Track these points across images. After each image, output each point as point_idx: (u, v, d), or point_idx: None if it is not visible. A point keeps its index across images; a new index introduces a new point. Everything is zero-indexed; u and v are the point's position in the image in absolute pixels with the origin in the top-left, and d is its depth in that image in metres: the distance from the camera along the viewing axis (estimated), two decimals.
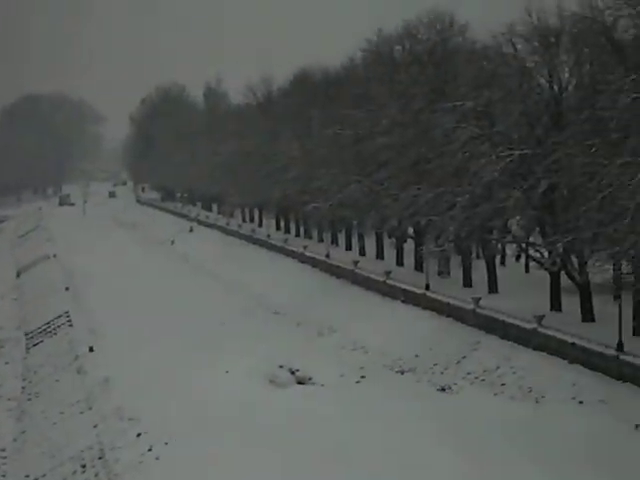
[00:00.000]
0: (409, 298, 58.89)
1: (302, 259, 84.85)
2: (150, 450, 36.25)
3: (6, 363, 63.27)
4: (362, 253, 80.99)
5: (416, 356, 48.61)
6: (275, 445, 34.00)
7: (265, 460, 32.70)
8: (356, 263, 71.49)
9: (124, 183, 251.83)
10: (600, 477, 29.51)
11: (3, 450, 43.96)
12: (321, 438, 34.50)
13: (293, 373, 47.57)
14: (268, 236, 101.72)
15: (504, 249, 62.45)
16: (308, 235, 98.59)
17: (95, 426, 42.52)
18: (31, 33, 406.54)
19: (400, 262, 72.58)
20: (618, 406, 35.16)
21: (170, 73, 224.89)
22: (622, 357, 37.65)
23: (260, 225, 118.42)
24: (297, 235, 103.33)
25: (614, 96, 35.72)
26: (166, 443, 36.29)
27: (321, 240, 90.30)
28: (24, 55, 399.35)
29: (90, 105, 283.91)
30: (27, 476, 38.90)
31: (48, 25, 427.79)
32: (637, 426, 33.14)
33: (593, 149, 37.80)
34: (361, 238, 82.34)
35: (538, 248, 50.92)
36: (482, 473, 30.48)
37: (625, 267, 41.26)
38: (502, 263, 67.50)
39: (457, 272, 62.64)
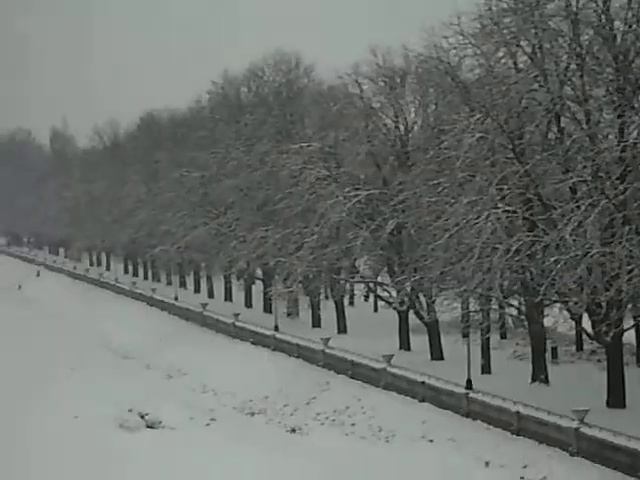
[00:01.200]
0: (258, 340, 57.55)
1: (151, 302, 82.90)
2: None
3: None
4: (211, 295, 79.93)
5: (266, 397, 47.40)
6: None
7: None
8: (205, 305, 69.81)
9: None
10: None
11: None
12: None
13: (143, 417, 45.39)
14: (116, 279, 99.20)
15: (353, 289, 62.57)
16: (157, 278, 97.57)
17: None
18: None
19: (249, 304, 71.76)
20: (467, 444, 34.54)
21: (17, 119, 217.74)
22: (471, 395, 36.97)
23: (108, 269, 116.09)
24: (145, 278, 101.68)
25: (459, 135, 35.23)
26: None
27: (169, 283, 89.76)
28: None
29: None
30: None
31: None
32: (487, 463, 32.40)
33: (439, 188, 37.24)
34: (209, 280, 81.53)
35: (386, 287, 50.44)
36: None
37: (473, 305, 40.96)
38: (351, 303, 67.57)
39: (306, 313, 62.13)
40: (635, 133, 33.01)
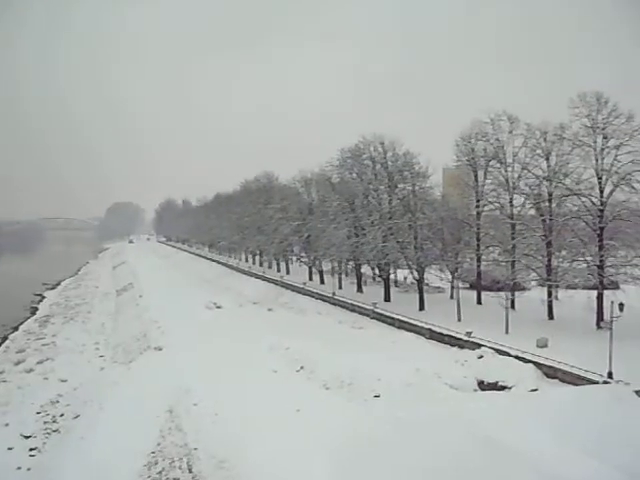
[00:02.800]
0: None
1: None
2: (163, 333, 73.38)
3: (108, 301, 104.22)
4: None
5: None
6: None
7: None
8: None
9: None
10: None
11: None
12: None
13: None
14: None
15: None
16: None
17: (141, 325, 72.92)
18: None
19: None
20: (333, 315, 76.68)
21: None
22: (336, 296, 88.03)
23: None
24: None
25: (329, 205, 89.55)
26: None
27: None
28: None
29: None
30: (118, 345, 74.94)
31: None
32: (340, 322, 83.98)
33: (323, 220, 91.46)
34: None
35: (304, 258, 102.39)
36: None
37: (345, 264, 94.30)
38: None
39: None
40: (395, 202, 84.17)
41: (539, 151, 62.80)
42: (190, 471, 31.53)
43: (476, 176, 71.45)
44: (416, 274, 74.27)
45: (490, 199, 70.06)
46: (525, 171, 64.77)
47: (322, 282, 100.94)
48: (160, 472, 32.68)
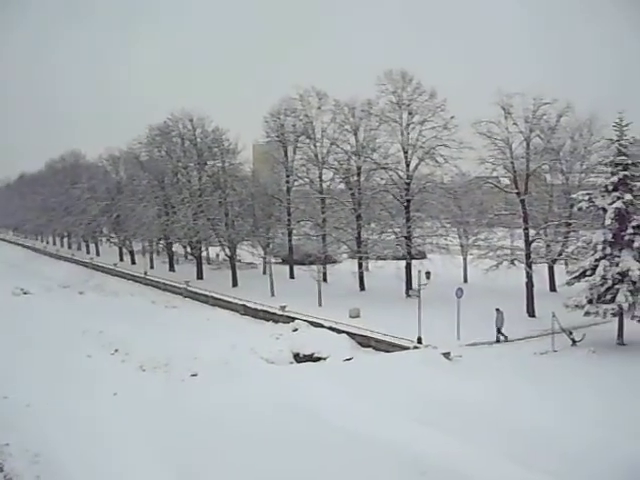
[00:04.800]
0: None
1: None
2: None
3: None
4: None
5: None
6: None
7: None
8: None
9: None
10: None
11: None
12: None
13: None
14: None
15: None
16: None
17: None
18: None
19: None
20: (148, 296, 72.87)
21: None
22: (160, 280, 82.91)
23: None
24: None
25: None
26: None
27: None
28: None
29: None
30: None
31: None
32: (153, 302, 78.65)
33: (133, 199, 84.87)
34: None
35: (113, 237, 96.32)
36: None
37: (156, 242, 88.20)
38: None
39: None
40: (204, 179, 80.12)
41: (347, 126, 61.31)
42: (1, 470, 26.91)
43: (286, 152, 69.44)
44: (228, 251, 71.37)
45: (300, 174, 68.35)
46: (334, 146, 63.27)
47: (133, 262, 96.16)
48: None
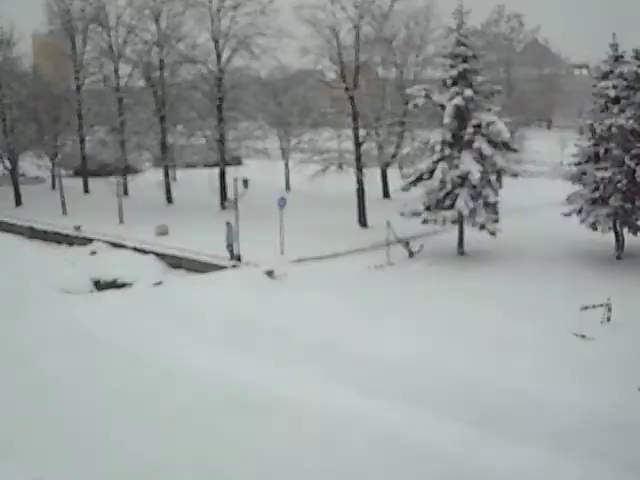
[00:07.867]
0: None
1: None
2: None
3: None
4: None
5: None
6: None
7: None
8: None
9: None
10: None
11: None
12: None
13: None
14: None
15: None
16: None
17: None
18: None
19: None
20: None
21: None
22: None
23: None
24: None
25: None
26: None
27: None
28: None
29: None
30: None
31: None
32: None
33: None
34: None
35: None
36: None
37: None
38: None
39: None
40: None
41: (147, 11, 54.28)
42: None
43: (73, 43, 61.34)
44: (8, 163, 62.45)
45: (92, 70, 61.64)
46: (132, 35, 56.26)
47: None
48: None
